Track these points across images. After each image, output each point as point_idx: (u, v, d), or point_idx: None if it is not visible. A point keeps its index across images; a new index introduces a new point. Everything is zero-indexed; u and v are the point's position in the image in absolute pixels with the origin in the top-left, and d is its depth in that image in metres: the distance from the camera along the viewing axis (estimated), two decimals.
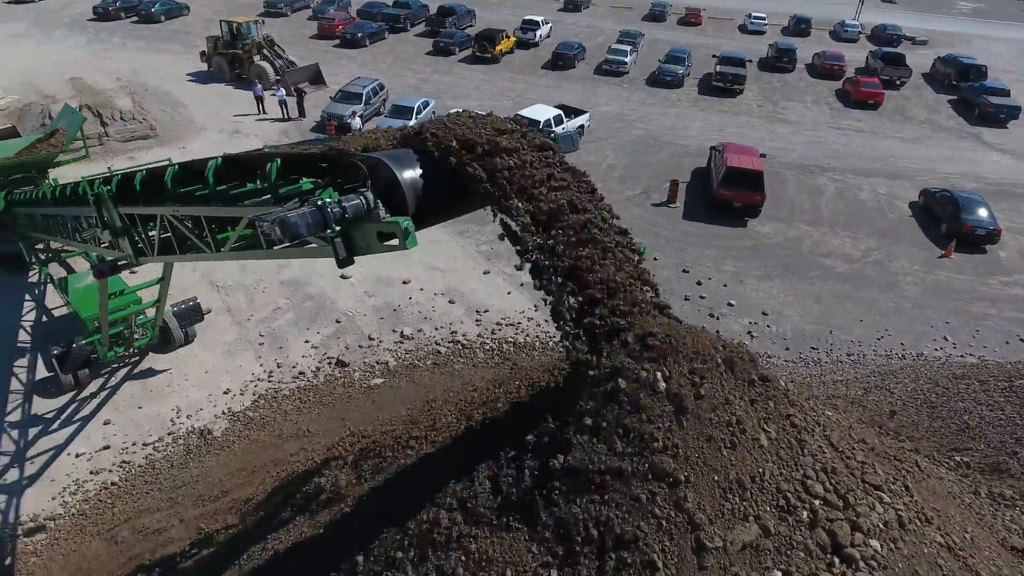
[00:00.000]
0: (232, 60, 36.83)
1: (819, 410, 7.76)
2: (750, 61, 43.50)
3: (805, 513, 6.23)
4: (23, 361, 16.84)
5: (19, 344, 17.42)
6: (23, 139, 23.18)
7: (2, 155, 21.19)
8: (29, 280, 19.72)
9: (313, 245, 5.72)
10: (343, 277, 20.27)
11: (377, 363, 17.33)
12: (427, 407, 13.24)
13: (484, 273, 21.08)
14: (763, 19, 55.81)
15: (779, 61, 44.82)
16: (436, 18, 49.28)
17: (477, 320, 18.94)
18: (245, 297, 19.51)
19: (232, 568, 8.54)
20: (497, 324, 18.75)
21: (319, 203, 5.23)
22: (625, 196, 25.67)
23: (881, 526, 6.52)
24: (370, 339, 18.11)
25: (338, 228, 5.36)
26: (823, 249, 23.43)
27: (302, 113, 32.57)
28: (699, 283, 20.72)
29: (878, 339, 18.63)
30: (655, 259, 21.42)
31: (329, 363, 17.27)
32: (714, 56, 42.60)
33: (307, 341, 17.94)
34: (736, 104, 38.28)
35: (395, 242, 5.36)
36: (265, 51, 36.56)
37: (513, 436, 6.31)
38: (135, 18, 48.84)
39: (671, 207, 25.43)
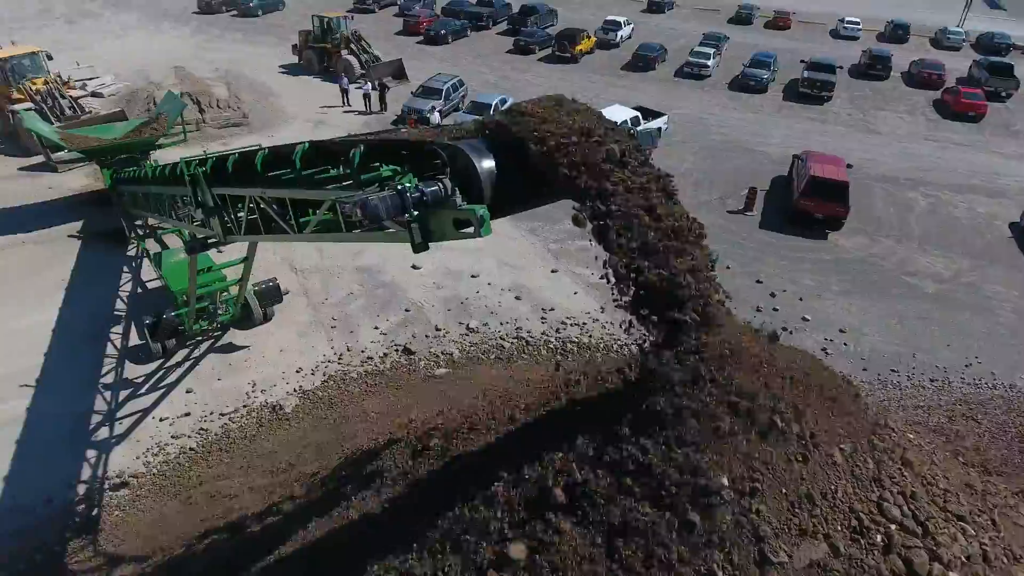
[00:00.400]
0: (321, 54, 38.26)
1: (900, 431, 7.39)
2: (840, 67, 41.71)
3: (879, 537, 5.97)
4: (118, 328, 18.06)
5: (115, 312, 18.67)
6: (129, 122, 24.93)
7: (110, 136, 22.89)
8: (128, 254, 21.10)
9: (390, 230, 5.89)
10: (414, 267, 20.75)
11: (442, 353, 17.65)
12: (489, 398, 13.39)
13: (552, 272, 21.12)
14: (857, 24, 53.38)
15: (872, 68, 42.76)
16: (518, 17, 49.64)
17: (542, 318, 19.00)
18: (321, 281, 20.25)
19: (297, 536, 8.92)
20: (562, 323, 18.75)
21: (399, 188, 5.39)
22: (700, 201, 25.13)
23: (963, 559, 6.17)
24: (437, 330, 18.46)
25: (416, 213, 5.49)
26: (910, 267, 22.24)
27: (384, 107, 33.49)
28: (773, 295, 20.08)
29: (966, 366, 17.55)
30: (727, 267, 20.87)
31: (396, 350, 17.71)
32: (802, 61, 41.09)
33: (376, 328, 18.45)
34: (823, 112, 36.82)
35: (470, 230, 5.45)
36: (352, 46, 37.79)
37: (574, 430, 6.31)
38: (235, 12, 51.51)
39: (747, 215, 24.73)
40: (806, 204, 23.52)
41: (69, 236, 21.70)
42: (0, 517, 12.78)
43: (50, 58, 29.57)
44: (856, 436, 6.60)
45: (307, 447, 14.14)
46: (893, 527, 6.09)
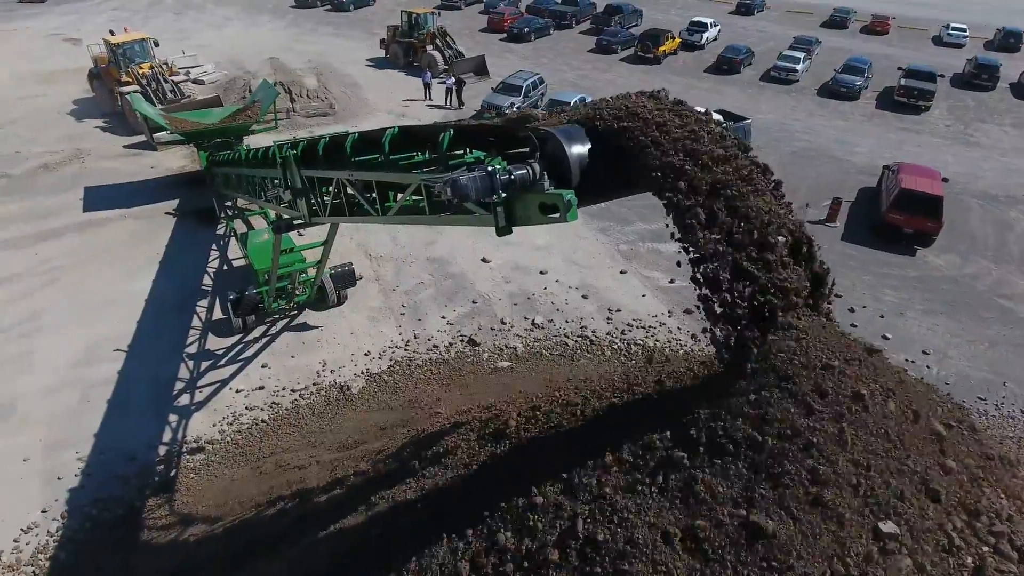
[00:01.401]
0: (407, 48, 39.24)
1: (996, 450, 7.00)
2: (941, 76, 39.39)
3: (970, 559, 5.67)
4: (204, 302, 19.16)
5: (202, 287, 19.81)
6: (225, 108, 26.35)
7: (209, 121, 24.28)
8: (216, 233, 22.33)
9: (474, 214, 6.03)
10: (484, 261, 21.07)
11: (506, 347, 17.84)
12: (551, 391, 13.45)
13: (621, 272, 20.96)
14: (963, 31, 50.21)
15: (977, 78, 40.14)
16: (602, 16, 49.32)
17: (608, 318, 18.90)
18: (394, 269, 20.84)
19: (361, 509, 9.26)
20: (628, 325, 18.59)
21: (489, 169, 5.51)
22: None
23: None
24: (502, 323, 18.66)
25: (503, 196, 5.59)
26: (1005, 290, 20.83)
27: (460, 103, 34.00)
28: (852, 310, 19.21)
29: None
30: None
31: (461, 341, 18.02)
32: (899, 68, 39.05)
33: (444, 317, 18.83)
34: (919, 122, 34.88)
35: (556, 215, 5.50)
36: (437, 41, 38.55)
37: (639, 426, 6.28)
38: (328, 7, 53.52)
39: (830, 226, 23.76)
40: (895, 217, 22.39)
41: (166, 213, 23.19)
42: (89, 472, 13.83)
43: (157, 45, 31.92)
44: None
45: (372, 427, 14.63)
46: (986, 549, 5.77)
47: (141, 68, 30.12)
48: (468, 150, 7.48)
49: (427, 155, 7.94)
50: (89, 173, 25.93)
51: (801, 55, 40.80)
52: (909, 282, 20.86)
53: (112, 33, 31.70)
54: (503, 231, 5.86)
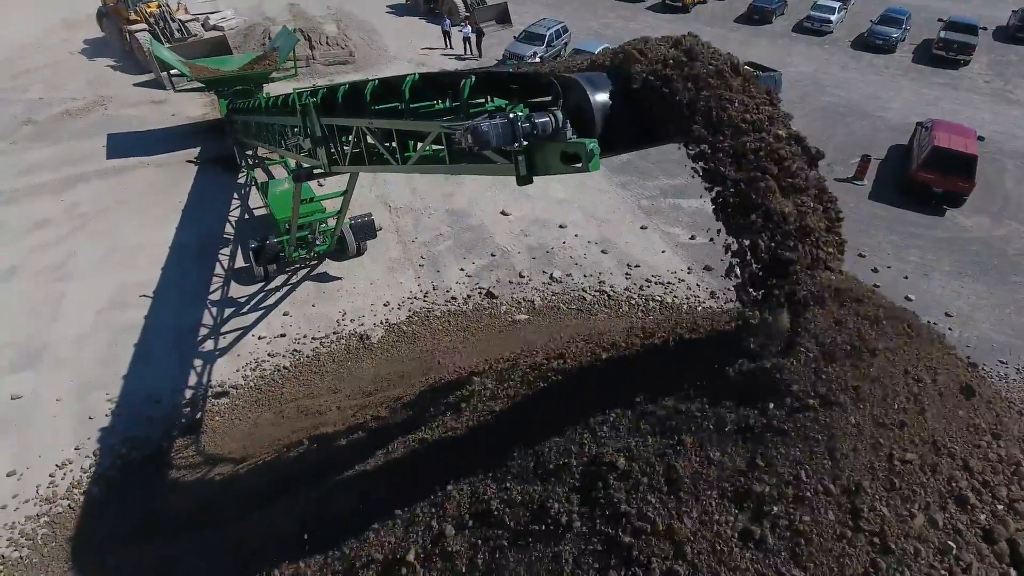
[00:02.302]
0: None
1: (1014, 411, 7.00)
2: (984, 29, 37.58)
3: (983, 516, 5.73)
4: (226, 250, 19.39)
5: (225, 236, 20.02)
6: (245, 55, 26.12)
7: (228, 68, 24.11)
8: (238, 181, 22.42)
9: (495, 163, 5.95)
10: (503, 214, 20.98)
11: (524, 300, 17.90)
12: (569, 344, 13.55)
13: (641, 228, 20.77)
14: None
15: (1022, 31, 38.31)
16: None
17: (627, 274, 18.83)
18: (413, 220, 20.84)
19: (380, 452, 9.53)
20: (647, 280, 18.52)
21: (511, 116, 5.41)
22: None
23: None
24: (520, 276, 18.69)
25: (525, 144, 5.49)
26: None
27: (479, 52, 33.28)
28: (875, 270, 18.96)
29: None
30: None
31: (479, 293, 18.11)
32: (940, 20, 37.34)
33: (462, 269, 18.89)
34: (958, 77, 33.53)
35: (578, 164, 5.40)
36: None
37: (657, 378, 6.34)
38: None
39: (857, 184, 23.21)
40: (925, 176, 21.77)
41: (187, 161, 23.28)
42: (118, 412, 14.32)
43: None
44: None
45: (391, 375, 14.90)
46: (1001, 507, 5.82)
47: (148, 7, 30.34)
48: (489, 98, 7.36)
49: (448, 104, 7.83)
50: (111, 120, 26.02)
51: (836, 5, 39.10)
52: (936, 243, 20.43)
53: None
54: (523, 180, 5.78)
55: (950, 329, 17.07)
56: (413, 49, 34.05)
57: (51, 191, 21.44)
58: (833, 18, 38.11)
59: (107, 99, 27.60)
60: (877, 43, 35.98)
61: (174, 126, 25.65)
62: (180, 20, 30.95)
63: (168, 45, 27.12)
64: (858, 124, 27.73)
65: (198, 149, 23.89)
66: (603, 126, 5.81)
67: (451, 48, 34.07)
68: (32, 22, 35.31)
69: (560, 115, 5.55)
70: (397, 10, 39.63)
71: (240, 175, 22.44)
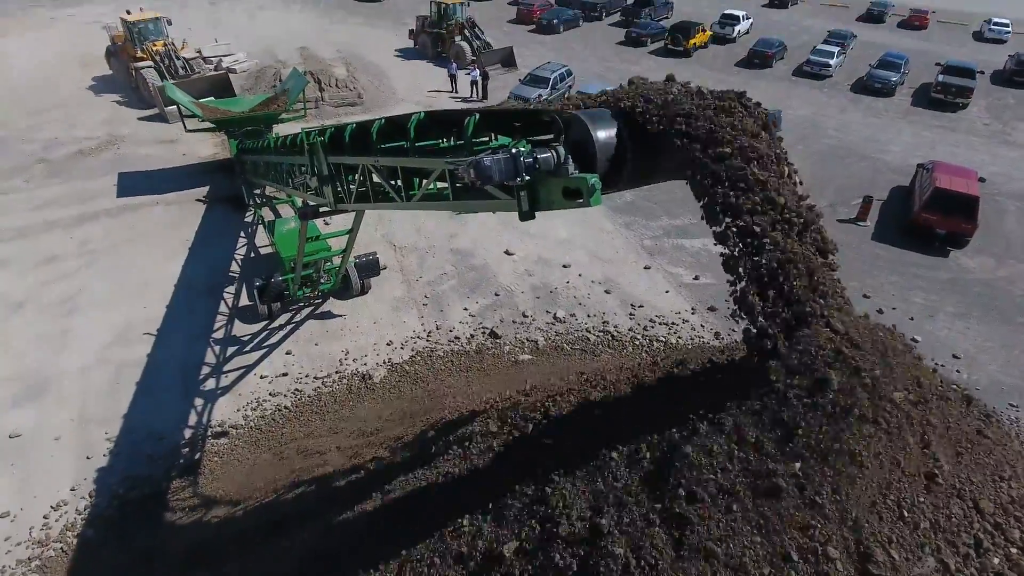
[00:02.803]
0: (436, 38, 39.27)
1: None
2: (981, 72, 38.26)
3: (996, 560, 5.59)
4: (231, 288, 19.49)
5: (230, 273, 20.15)
6: (256, 97, 26.71)
7: (239, 109, 24.63)
8: (245, 220, 22.66)
9: (497, 199, 6.00)
10: (507, 253, 21.10)
11: (527, 340, 17.87)
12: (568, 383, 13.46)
13: (645, 268, 20.82)
14: (1006, 26, 48.68)
15: (1019, 75, 38.94)
16: (632, 8, 48.82)
17: (631, 314, 18.81)
18: (418, 259, 20.96)
19: (378, 493, 9.40)
20: (651, 321, 18.49)
21: (513, 151, 5.46)
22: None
23: None
24: (524, 316, 18.68)
25: (527, 179, 5.53)
26: None
27: (485, 95, 33.92)
28: (880, 311, 18.88)
29: None
30: None
31: (483, 333, 18.09)
32: (937, 64, 38.04)
33: (466, 309, 18.91)
34: (956, 120, 33.98)
35: (580, 200, 5.41)
36: (466, 31, 38.51)
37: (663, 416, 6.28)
38: None
39: (860, 225, 23.33)
40: (928, 217, 21.88)
41: (196, 200, 23.59)
42: (117, 451, 14.21)
43: (170, 23, 33.49)
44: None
45: (393, 415, 14.79)
46: (1014, 550, 5.69)
47: (155, 45, 31.65)
48: (494, 136, 7.47)
49: (453, 142, 7.95)
50: (124, 159, 26.49)
51: (835, 49, 39.95)
52: (940, 284, 20.41)
53: (128, 12, 32.94)
54: (526, 216, 5.82)
55: (958, 371, 16.94)
56: (420, 91, 34.76)
57: (62, 227, 21.71)
58: (832, 62, 38.86)
59: (120, 138, 28.14)
60: (876, 87, 36.61)
61: (184, 165, 26.07)
62: (184, 58, 32.33)
63: (172, 81, 28.19)
64: (858, 166, 28.01)
65: (207, 188, 24.23)
66: (606, 163, 5.88)
67: (457, 91, 34.77)
68: (50, 62, 36.28)
69: (562, 151, 5.60)
70: (405, 54, 40.60)
71: (248, 214, 22.69)
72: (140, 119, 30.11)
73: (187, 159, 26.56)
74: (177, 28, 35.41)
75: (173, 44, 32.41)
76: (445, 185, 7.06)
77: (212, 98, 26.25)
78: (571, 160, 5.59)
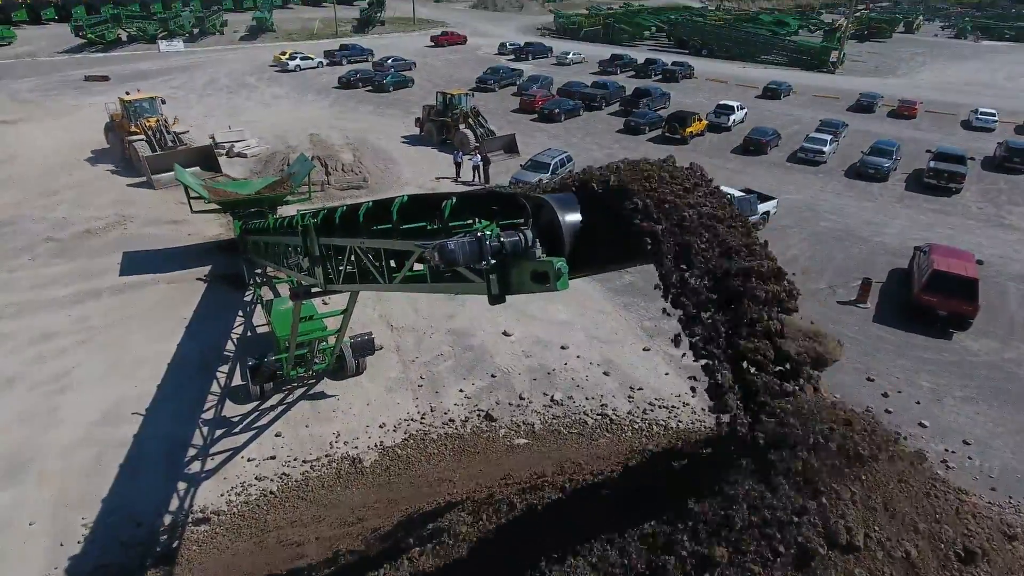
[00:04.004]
0: (441, 126, 40.74)
1: None
2: (972, 159, 39.18)
3: None
4: (224, 368, 19.28)
5: (225, 353, 19.99)
6: (263, 179, 27.48)
7: (246, 192, 25.25)
8: (244, 299, 22.73)
9: (471, 281, 5.94)
10: (505, 334, 20.95)
11: (523, 423, 17.44)
12: (562, 470, 13.01)
13: (644, 350, 20.59)
14: (992, 116, 50.26)
15: (1009, 161, 39.81)
16: (631, 99, 50.77)
17: (629, 396, 18.44)
18: (415, 340, 20.81)
19: None
20: (650, 404, 18.09)
21: (478, 234, 5.46)
22: (808, 290, 23.89)
23: None
24: (520, 398, 18.33)
25: (494, 262, 5.50)
26: None
27: (486, 179, 34.76)
28: (885, 395, 18.49)
29: None
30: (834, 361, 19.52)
31: (478, 415, 17.70)
32: (928, 152, 39.03)
33: (461, 390, 18.59)
34: (950, 204, 34.48)
35: (548, 284, 5.36)
36: (470, 120, 39.98)
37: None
38: (369, 87, 56.28)
39: (860, 307, 23.20)
40: (928, 299, 21.77)
41: (197, 279, 23.77)
42: (93, 537, 13.62)
43: (163, 103, 36.79)
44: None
45: (380, 501, 14.22)
46: None
47: (148, 121, 34.75)
48: (477, 220, 7.51)
49: (438, 225, 8.00)
50: (130, 239, 26.93)
51: (828, 137, 41.11)
52: (946, 367, 20.04)
53: (127, 93, 36.69)
54: (495, 299, 5.75)
55: (970, 458, 16.37)
56: (426, 176, 35.67)
57: (61, 305, 21.79)
58: (826, 149, 39.92)
59: (128, 218, 28.72)
60: (870, 172, 37.40)
61: (187, 245, 26.45)
62: (175, 132, 35.36)
63: (159, 152, 32.29)
64: (856, 248, 28.19)
65: (209, 267, 24.47)
66: (573, 245, 5.83)
67: (460, 177, 35.67)
68: (68, 147, 37.58)
69: (530, 234, 5.60)
70: (412, 140, 42.01)
71: (247, 293, 22.79)
72: (128, 185, 32.74)
73: (192, 239, 26.99)
74: (195, 115, 37.22)
75: (165, 120, 35.43)
76: (424, 266, 7.03)
77: (225, 179, 27.17)
78: (538, 244, 5.57)
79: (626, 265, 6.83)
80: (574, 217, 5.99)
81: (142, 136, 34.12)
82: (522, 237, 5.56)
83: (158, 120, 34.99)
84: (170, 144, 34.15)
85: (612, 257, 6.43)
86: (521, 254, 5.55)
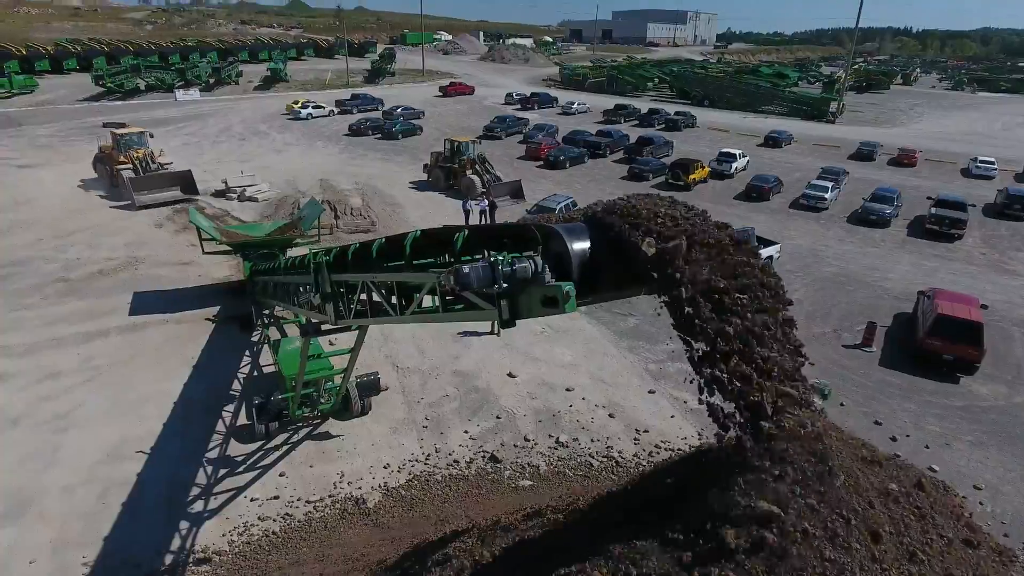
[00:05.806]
0: (448, 172, 41.62)
1: None
2: (972, 206, 39.67)
3: None
4: (230, 407, 19.31)
5: (231, 392, 20.04)
6: (274, 223, 28.01)
7: (256, 234, 25.70)
8: (252, 339, 22.90)
9: (482, 308, 6.16)
10: (510, 376, 20.98)
11: (528, 465, 17.32)
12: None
13: (649, 392, 20.55)
14: (992, 164, 51.05)
15: (1010, 208, 40.28)
16: (634, 147, 51.86)
17: (635, 439, 18.34)
18: (420, 381, 20.84)
19: None
20: (656, 447, 17.98)
21: (491, 260, 5.75)
22: (812, 333, 23.96)
23: None
24: (525, 440, 18.25)
25: (505, 286, 5.76)
26: None
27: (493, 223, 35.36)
28: (893, 439, 18.33)
29: None
30: (841, 404, 19.52)
31: (483, 457, 17.60)
32: (929, 198, 39.54)
33: (466, 432, 18.52)
34: (952, 250, 34.74)
35: (556, 307, 5.59)
36: (477, 167, 40.86)
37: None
38: (379, 135, 57.72)
39: (866, 351, 23.19)
40: (933, 344, 21.77)
41: (205, 319, 24.00)
42: (94, 573, 13.44)
43: (152, 136, 41.06)
44: None
45: (383, 541, 14.05)
46: None
47: (136, 153, 38.77)
48: (487, 253, 7.77)
49: (448, 259, 8.26)
50: (141, 279, 27.29)
51: (829, 184, 41.75)
52: (954, 411, 19.91)
53: (118, 127, 42.08)
54: (507, 323, 5.99)
55: (981, 504, 16.11)
56: (432, 221, 36.13)
57: (69, 344, 21.96)
58: (827, 195, 40.48)
59: (140, 260, 29.17)
60: (872, 218, 37.85)
61: (197, 286, 26.79)
62: (160, 163, 39.75)
63: (143, 175, 36.63)
64: (860, 293, 28.32)
65: (218, 308, 24.73)
66: (581, 272, 6.07)
67: (468, 222, 36.20)
68: (82, 190, 38.50)
69: (539, 260, 5.88)
70: (419, 186, 42.84)
71: (255, 333, 22.97)
72: (112, 207, 36.08)
73: (202, 280, 27.34)
74: (208, 160, 38.66)
75: (151, 152, 39.63)
76: (437, 298, 7.24)
77: (236, 222, 27.80)
78: (547, 270, 5.82)
79: (635, 293, 6.96)
80: (583, 245, 6.23)
81: (129, 165, 38.02)
82: (532, 263, 5.83)
83: (145, 152, 38.98)
84: (153, 169, 38.44)
85: (619, 284, 6.58)
86: (531, 280, 5.79)
